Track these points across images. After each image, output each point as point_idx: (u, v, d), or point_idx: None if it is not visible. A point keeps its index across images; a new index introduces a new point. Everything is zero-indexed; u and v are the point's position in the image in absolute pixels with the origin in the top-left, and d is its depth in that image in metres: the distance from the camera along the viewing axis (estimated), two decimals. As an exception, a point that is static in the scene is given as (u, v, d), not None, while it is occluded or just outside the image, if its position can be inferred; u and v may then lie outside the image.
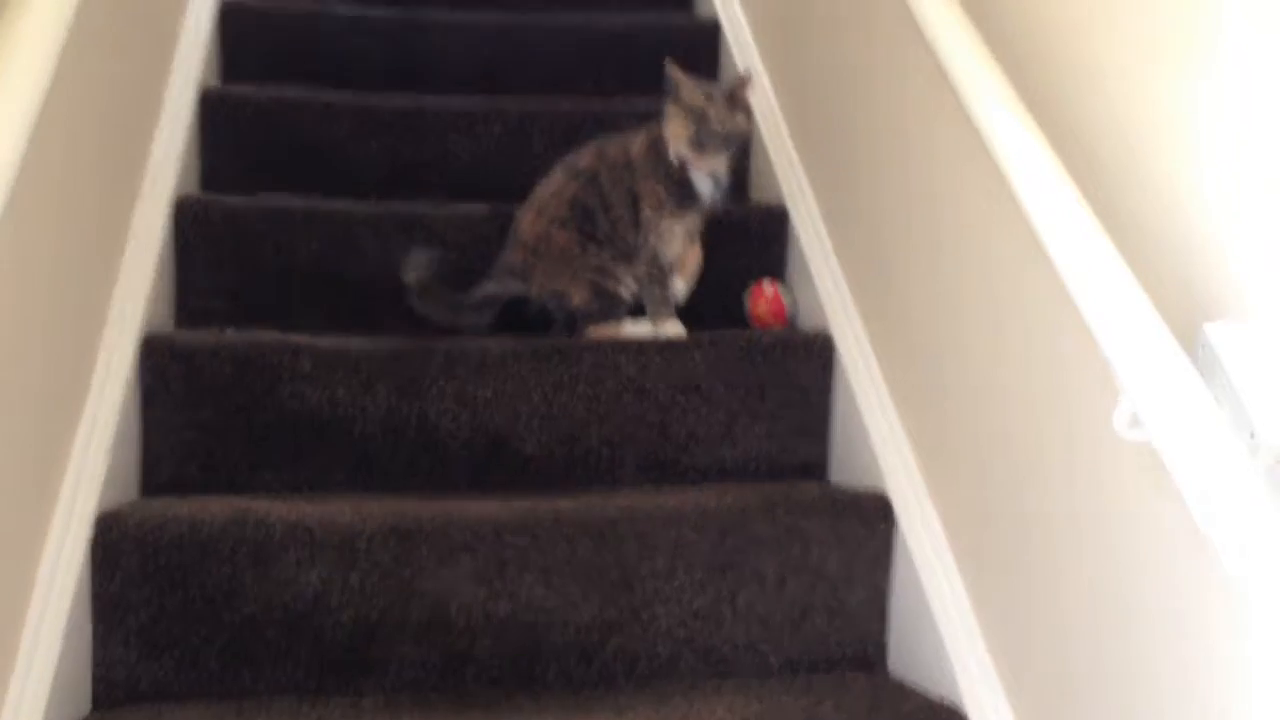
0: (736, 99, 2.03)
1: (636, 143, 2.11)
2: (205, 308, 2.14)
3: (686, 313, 2.12)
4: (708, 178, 2.06)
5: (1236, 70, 1.09)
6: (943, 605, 1.68)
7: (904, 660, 1.77)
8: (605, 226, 2.08)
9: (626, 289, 2.09)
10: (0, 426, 1.39)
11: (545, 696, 1.66)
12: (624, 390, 1.98)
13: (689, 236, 2.12)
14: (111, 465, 1.72)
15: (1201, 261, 1.13)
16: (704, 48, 2.84)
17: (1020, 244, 1.48)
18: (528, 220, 2.11)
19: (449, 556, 1.68)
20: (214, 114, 2.38)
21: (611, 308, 2.08)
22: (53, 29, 1.38)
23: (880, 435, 1.90)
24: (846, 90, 2.11)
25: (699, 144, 2.02)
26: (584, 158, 2.13)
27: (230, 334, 1.96)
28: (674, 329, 2.07)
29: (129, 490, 1.83)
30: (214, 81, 2.54)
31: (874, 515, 1.81)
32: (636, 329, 2.08)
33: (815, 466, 2.06)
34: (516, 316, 2.12)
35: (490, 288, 2.11)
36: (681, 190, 2.06)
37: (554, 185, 2.12)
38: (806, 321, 2.22)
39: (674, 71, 2.04)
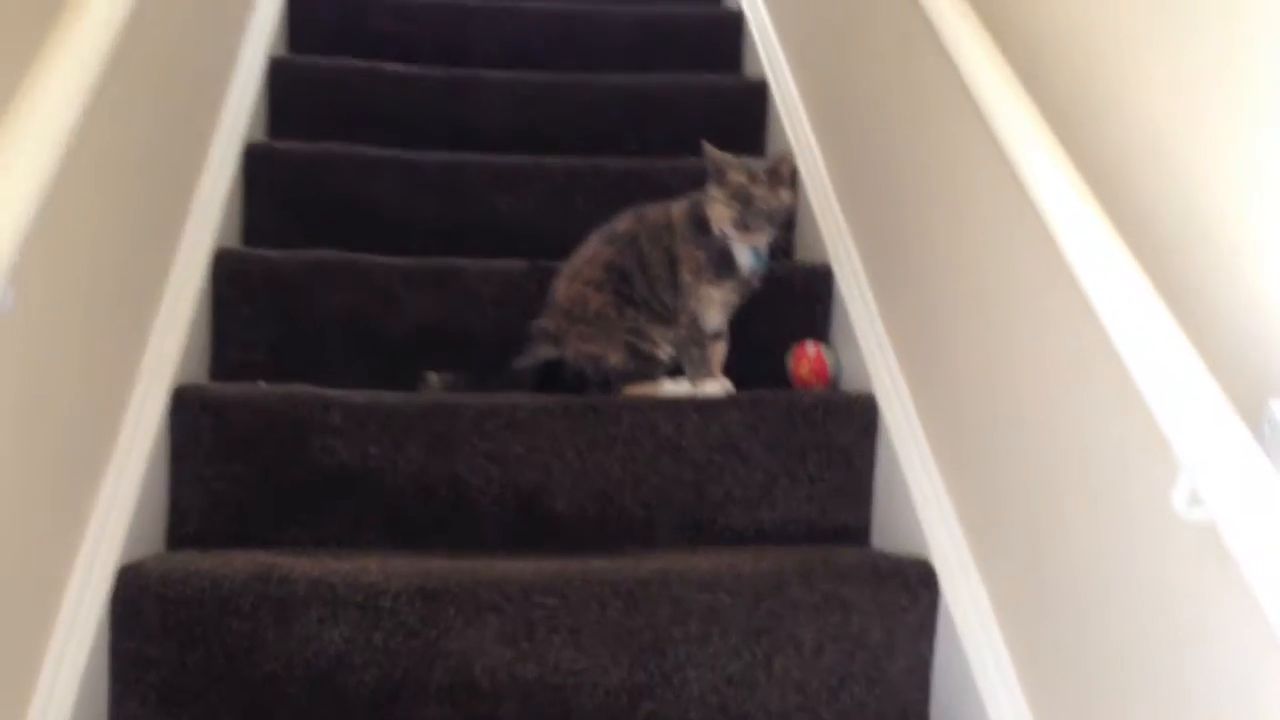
0: (780, 175, 2.00)
1: (678, 208, 2.09)
2: (242, 361, 2.13)
3: (726, 373, 2.08)
4: (749, 249, 2.03)
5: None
6: (989, 682, 1.61)
7: (948, 736, 1.70)
8: (643, 289, 2.05)
9: (664, 351, 2.06)
10: (25, 474, 1.37)
11: (571, 765, 1.60)
12: (660, 449, 1.94)
13: (726, 308, 2.08)
14: (136, 516, 1.69)
15: (1266, 334, 1.07)
16: (752, 109, 2.84)
17: (1073, 312, 1.42)
18: (563, 286, 2.09)
19: (476, 616, 1.63)
20: (258, 168, 2.40)
21: (649, 368, 2.05)
22: (88, 78, 1.38)
23: (924, 501, 1.84)
24: (895, 153, 2.07)
25: (744, 225, 1.98)
26: (622, 223, 2.10)
27: (263, 386, 1.95)
28: (713, 387, 2.03)
29: (154, 543, 1.81)
30: (260, 136, 2.56)
31: (917, 583, 1.74)
32: (675, 388, 2.04)
33: (856, 531, 1.99)
34: (550, 381, 2.08)
35: (524, 361, 2.08)
36: (721, 259, 2.03)
37: (589, 251, 2.09)
38: (850, 384, 2.17)
39: (713, 153, 2.01)
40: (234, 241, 2.32)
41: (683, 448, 1.94)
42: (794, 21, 2.77)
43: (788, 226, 2.41)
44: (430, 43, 2.97)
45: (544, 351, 2.09)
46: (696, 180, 2.06)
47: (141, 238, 1.83)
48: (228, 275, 2.13)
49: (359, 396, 1.91)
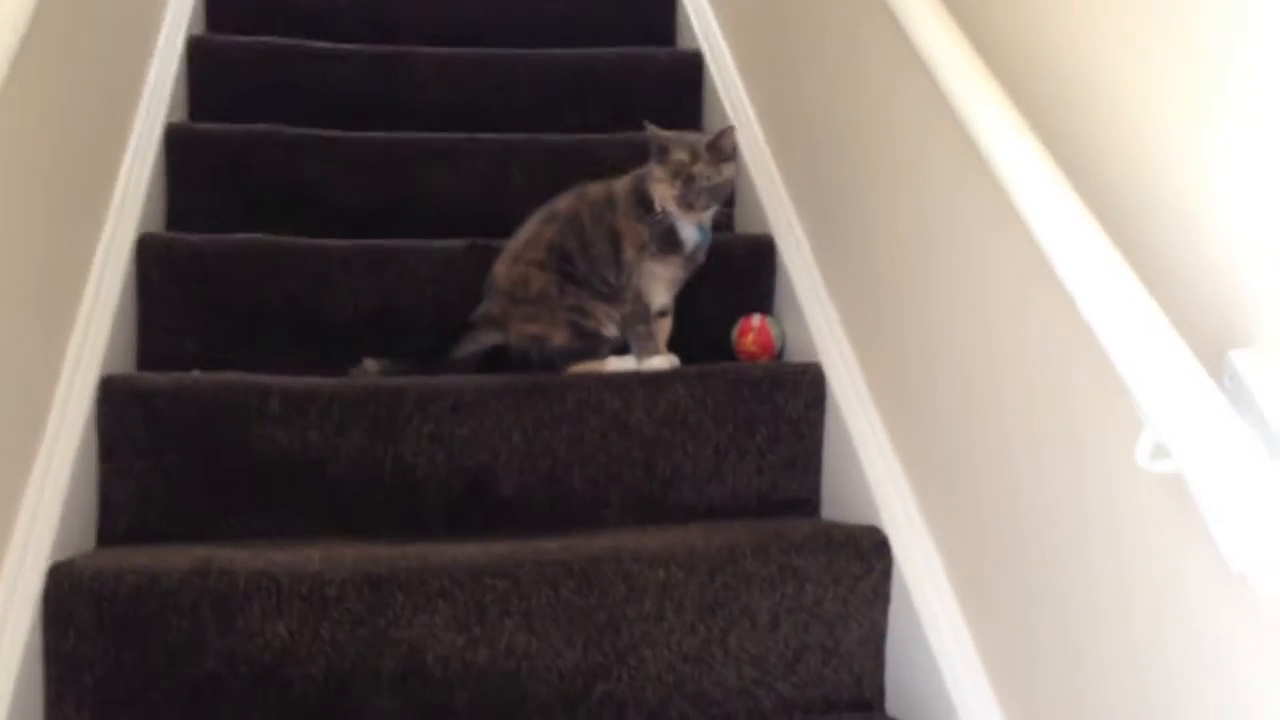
0: (721, 149, 1.97)
1: (620, 185, 2.06)
2: (172, 350, 2.06)
3: (671, 348, 2.05)
4: (693, 225, 2.00)
5: (1265, 90, 1.02)
6: (943, 645, 1.60)
7: (902, 701, 1.69)
8: (585, 267, 2.01)
9: (609, 329, 2.02)
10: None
11: (528, 750, 1.57)
12: (608, 427, 1.91)
13: (672, 284, 2.05)
14: (65, 513, 1.63)
15: (1225, 288, 1.05)
16: (688, 81, 2.80)
17: (1023, 268, 1.40)
18: (503, 268, 2.04)
19: (425, 603, 1.59)
20: (180, 150, 2.32)
21: (594, 346, 2.01)
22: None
23: (875, 470, 1.82)
24: (834, 118, 2.05)
25: (687, 202, 1.96)
26: (563, 201, 2.06)
27: (196, 375, 1.89)
28: (659, 362, 2.00)
29: (85, 540, 1.74)
30: (181, 117, 2.48)
31: (870, 551, 1.72)
32: (620, 364, 2.01)
33: (806, 502, 1.98)
34: (494, 366, 2.04)
35: (466, 348, 2.03)
36: (666, 236, 2.00)
37: (530, 231, 2.05)
38: (796, 355, 2.14)
39: (655, 132, 1.99)
40: (159, 227, 2.25)
41: (630, 425, 1.91)
42: (727, -10, 2.74)
43: (729, 201, 2.39)
44: (357, 20, 2.90)
45: (487, 338, 2.04)
46: (636, 154, 2.02)
47: (61, 223, 1.76)
48: (152, 260, 2.06)
49: (297, 382, 1.86)
